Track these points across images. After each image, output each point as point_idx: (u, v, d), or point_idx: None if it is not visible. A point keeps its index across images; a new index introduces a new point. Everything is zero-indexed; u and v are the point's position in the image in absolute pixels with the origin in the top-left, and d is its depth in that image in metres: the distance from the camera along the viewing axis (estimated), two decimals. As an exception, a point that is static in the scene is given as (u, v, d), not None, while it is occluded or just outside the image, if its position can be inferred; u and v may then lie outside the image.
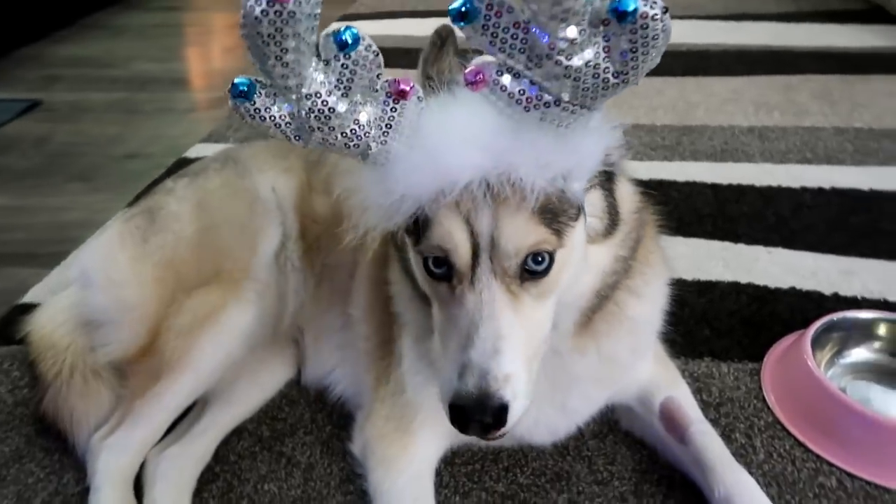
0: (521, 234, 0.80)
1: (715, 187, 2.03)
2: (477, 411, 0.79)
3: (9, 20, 3.58)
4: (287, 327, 1.38)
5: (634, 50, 0.69)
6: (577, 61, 0.70)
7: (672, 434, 1.15)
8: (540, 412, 1.08)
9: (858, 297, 1.56)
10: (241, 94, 0.75)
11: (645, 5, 0.66)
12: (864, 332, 1.35)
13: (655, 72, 2.55)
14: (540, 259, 0.83)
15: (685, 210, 1.92)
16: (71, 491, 1.20)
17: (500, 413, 0.79)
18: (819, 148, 2.25)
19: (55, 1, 3.94)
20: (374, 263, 1.23)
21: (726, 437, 1.22)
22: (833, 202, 1.94)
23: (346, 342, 1.32)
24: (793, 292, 1.58)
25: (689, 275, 1.64)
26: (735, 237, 1.79)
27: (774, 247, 1.75)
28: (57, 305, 1.39)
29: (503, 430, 0.81)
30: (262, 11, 0.66)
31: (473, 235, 0.81)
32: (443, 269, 0.85)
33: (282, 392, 1.39)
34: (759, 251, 1.74)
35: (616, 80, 0.71)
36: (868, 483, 1.13)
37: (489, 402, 0.78)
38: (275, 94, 0.76)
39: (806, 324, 1.35)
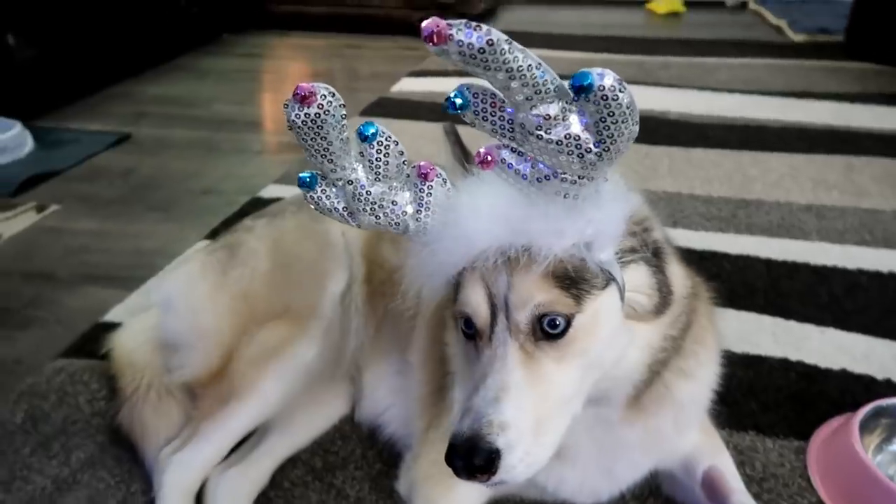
0: (530, 292, 0.86)
1: (768, 262, 2.05)
2: (463, 451, 0.81)
3: (104, 59, 3.89)
4: (347, 365, 1.46)
5: (604, 120, 0.74)
6: (556, 135, 0.76)
7: (713, 502, 1.17)
8: (586, 476, 1.12)
9: (911, 384, 1.55)
10: (306, 185, 0.91)
11: (600, 79, 0.72)
12: (914, 421, 1.35)
13: (712, 144, 2.61)
14: (556, 322, 0.87)
15: (737, 283, 1.94)
16: (138, 500, 1.29)
17: (488, 457, 0.80)
18: (878, 230, 2.25)
19: (147, 43, 4.26)
20: (432, 322, 1.29)
21: (768, 512, 1.23)
22: (890, 286, 1.94)
23: (402, 386, 1.38)
24: (843, 374, 1.58)
25: (737, 347, 1.66)
26: (786, 313, 1.80)
27: (826, 326, 1.76)
28: (138, 326, 1.51)
29: (495, 478, 0.81)
30: (296, 116, 0.82)
31: (491, 297, 0.88)
32: (472, 329, 0.92)
33: (336, 426, 1.47)
34: (810, 329, 1.75)
35: (598, 150, 0.77)
36: (912, 573, 1.12)
37: (478, 444, 0.80)
38: (332, 185, 0.90)
39: (855, 406, 1.36)
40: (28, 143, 2.99)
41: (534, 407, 0.85)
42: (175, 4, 4.52)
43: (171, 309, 1.44)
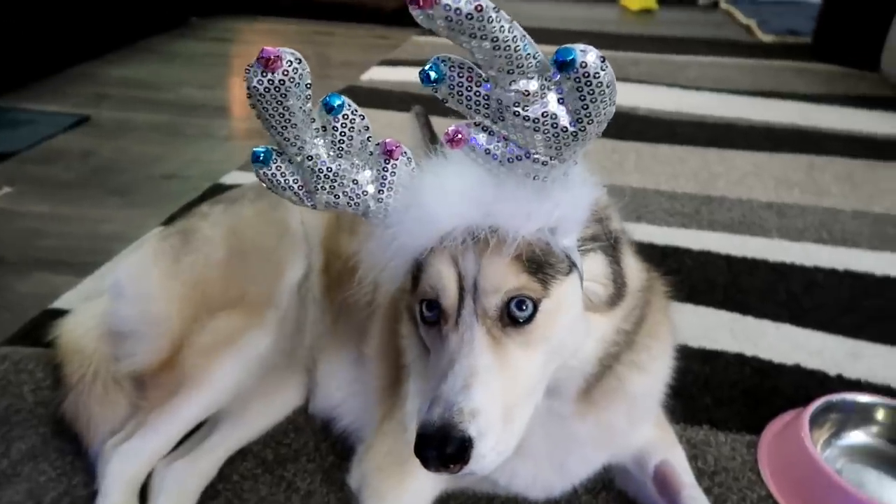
0: (501, 276, 0.85)
1: (729, 258, 2.07)
2: (435, 441, 0.78)
3: (65, 38, 3.76)
4: (302, 356, 1.43)
5: (583, 98, 0.73)
6: (533, 112, 0.75)
7: (664, 497, 1.17)
8: (538, 470, 1.11)
9: (862, 380, 1.57)
10: (260, 161, 0.86)
11: (583, 55, 0.71)
12: (862, 416, 1.37)
13: (679, 140, 2.64)
14: (523, 306, 0.85)
15: (698, 278, 1.96)
16: (80, 493, 1.25)
17: (460, 446, 0.78)
18: (836, 229, 2.28)
19: (111, 23, 4.14)
20: (388, 314, 1.27)
21: (718, 506, 1.24)
22: (845, 284, 1.97)
23: (357, 378, 1.36)
24: (797, 369, 1.60)
25: (695, 342, 1.67)
26: (744, 309, 1.82)
27: (783, 322, 1.78)
28: (87, 313, 1.46)
29: (467, 468, 0.79)
30: (258, 82, 0.77)
31: (460, 278, 0.86)
32: (434, 312, 0.90)
33: (289, 418, 1.44)
34: (767, 325, 1.77)
35: (574, 129, 0.76)
36: (855, 566, 1.14)
37: (450, 432, 0.78)
38: (289, 161, 0.85)
39: (807, 401, 1.37)
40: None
41: (502, 393, 0.83)
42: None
43: (120, 295, 1.40)
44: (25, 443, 1.35)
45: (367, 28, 4.91)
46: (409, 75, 3.82)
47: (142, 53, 4.23)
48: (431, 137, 1.01)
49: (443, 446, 0.78)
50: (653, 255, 2.08)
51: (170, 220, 2.18)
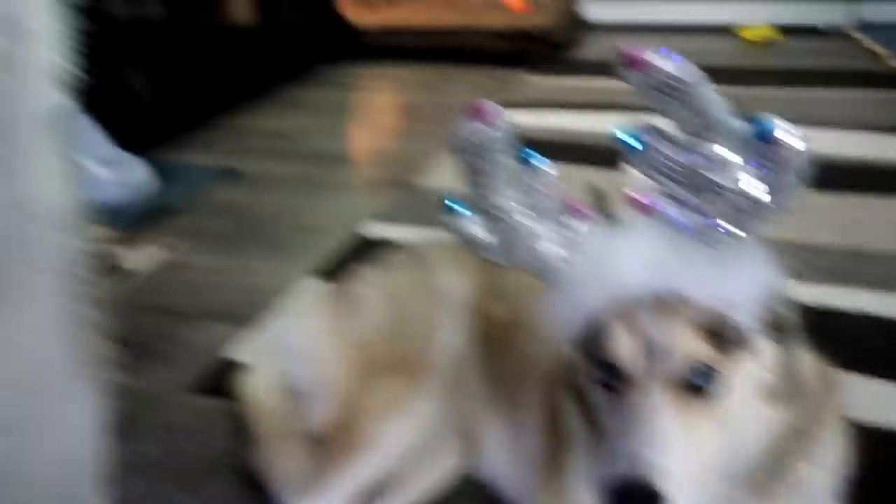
0: (684, 343, 0.85)
1: (890, 322, 1.96)
2: (629, 494, 0.78)
3: (207, 91, 4.06)
4: (462, 422, 1.49)
5: (776, 170, 0.75)
6: (726, 181, 0.77)
7: None
8: None
9: None
10: (452, 211, 0.92)
11: (778, 127, 0.73)
12: None
13: (814, 185, 2.51)
14: (704, 376, 0.86)
15: (855, 344, 1.85)
16: (268, 547, 1.36)
17: (649, 501, 0.77)
18: None
19: (244, 74, 4.40)
20: (547, 385, 1.30)
21: None
22: None
23: (517, 446, 1.40)
24: None
25: (864, 419, 1.57)
26: (914, 380, 1.71)
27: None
28: (267, 370, 1.59)
29: None
30: (467, 130, 0.84)
31: (642, 344, 0.87)
32: (611, 376, 0.91)
33: (451, 484, 1.48)
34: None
35: (764, 200, 0.77)
36: None
37: (644, 487, 0.77)
38: (480, 214, 0.90)
39: None
40: (146, 177, 3.16)
41: (685, 461, 0.83)
42: (268, 35, 4.65)
43: (294, 356, 1.52)
44: (212, 491, 1.48)
45: (485, 72, 4.98)
46: (526, 118, 3.86)
47: (273, 103, 4.47)
48: (606, 211, 1.04)
49: (635, 500, 0.78)
50: (803, 316, 1.99)
51: (321, 274, 2.32)
